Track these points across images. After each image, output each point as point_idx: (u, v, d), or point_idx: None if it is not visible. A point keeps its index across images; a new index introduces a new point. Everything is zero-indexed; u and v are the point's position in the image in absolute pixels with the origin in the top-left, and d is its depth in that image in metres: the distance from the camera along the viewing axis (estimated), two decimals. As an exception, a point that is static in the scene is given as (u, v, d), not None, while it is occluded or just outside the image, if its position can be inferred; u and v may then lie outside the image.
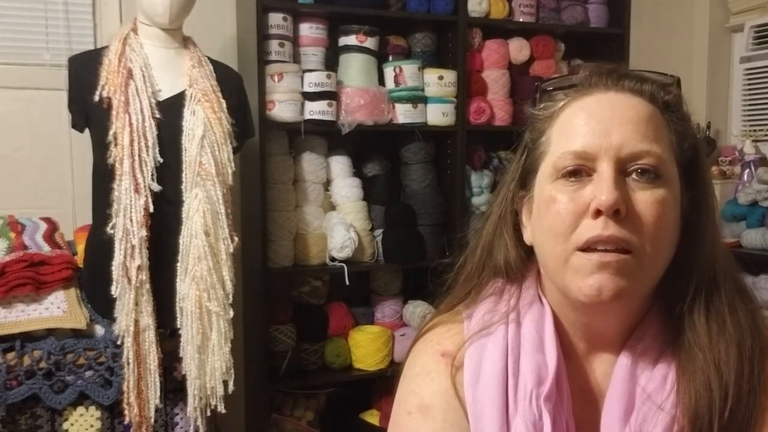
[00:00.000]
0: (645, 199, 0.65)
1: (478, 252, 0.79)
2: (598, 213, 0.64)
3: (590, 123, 0.67)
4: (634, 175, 0.66)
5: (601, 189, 0.64)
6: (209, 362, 1.82)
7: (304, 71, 2.33)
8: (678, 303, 0.69)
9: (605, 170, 0.65)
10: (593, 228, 0.65)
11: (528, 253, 0.76)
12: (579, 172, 0.67)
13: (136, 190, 1.72)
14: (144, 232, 1.73)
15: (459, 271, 0.82)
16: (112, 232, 1.72)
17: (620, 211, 0.64)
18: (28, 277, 1.80)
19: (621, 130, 0.66)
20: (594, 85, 0.70)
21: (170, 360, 1.87)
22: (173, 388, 1.91)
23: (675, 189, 0.68)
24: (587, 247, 0.65)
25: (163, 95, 1.85)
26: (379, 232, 2.52)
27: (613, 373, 0.70)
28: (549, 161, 0.70)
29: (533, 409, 0.66)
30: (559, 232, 0.67)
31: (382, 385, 2.48)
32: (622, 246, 0.64)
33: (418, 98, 2.48)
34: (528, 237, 0.75)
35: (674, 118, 0.70)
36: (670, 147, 0.68)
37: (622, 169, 0.66)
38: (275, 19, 2.29)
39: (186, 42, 1.97)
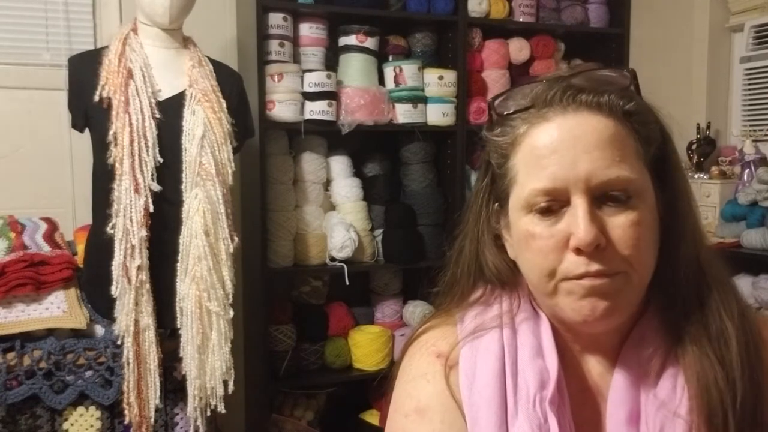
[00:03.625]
0: (621, 223, 0.65)
1: (466, 270, 0.78)
2: (579, 250, 0.64)
3: (555, 155, 0.66)
4: (607, 202, 0.65)
5: (578, 226, 0.64)
6: (209, 362, 1.82)
7: (304, 71, 2.33)
8: (671, 300, 0.69)
9: (579, 205, 0.64)
10: (577, 265, 0.64)
11: (516, 263, 0.75)
12: (552, 206, 0.66)
13: (136, 190, 1.72)
14: (144, 232, 1.73)
15: (448, 290, 0.81)
16: (112, 232, 1.72)
17: (600, 245, 0.64)
18: (28, 277, 1.80)
19: (587, 158, 0.64)
20: (549, 104, 0.67)
21: (170, 360, 1.87)
22: (173, 388, 1.91)
23: (649, 199, 0.67)
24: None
25: (163, 95, 1.85)
26: (379, 232, 2.52)
27: (613, 378, 0.70)
28: (519, 193, 0.69)
29: (538, 412, 0.66)
30: (544, 267, 0.67)
31: (381, 385, 2.47)
32: (608, 273, 0.64)
33: (418, 98, 2.48)
34: (512, 254, 0.74)
35: (636, 125, 0.68)
36: (638, 157, 0.67)
37: (595, 196, 0.65)
38: (275, 19, 2.29)
39: (186, 42, 1.97)
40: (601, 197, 0.65)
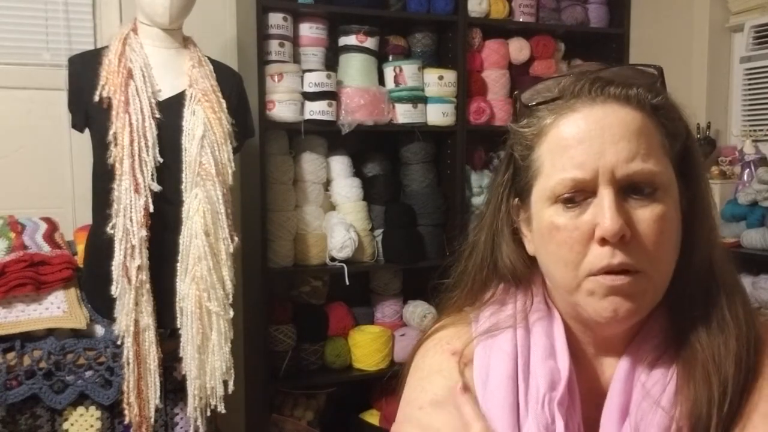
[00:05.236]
0: (646, 217, 0.65)
1: (479, 263, 0.78)
2: (604, 241, 0.64)
3: (582, 146, 0.66)
4: (632, 194, 0.65)
5: (603, 216, 0.64)
6: (209, 362, 1.82)
7: (304, 71, 2.33)
8: (679, 299, 0.70)
9: (605, 195, 0.64)
10: (602, 257, 0.64)
11: (532, 260, 0.75)
12: (576, 197, 0.66)
13: (136, 190, 1.72)
14: (144, 232, 1.73)
15: (458, 283, 0.81)
16: (112, 232, 1.72)
17: (625, 236, 0.64)
18: (28, 277, 1.80)
19: (614, 150, 0.64)
20: (577, 95, 0.68)
21: (170, 360, 1.87)
22: (173, 388, 1.91)
23: (673, 194, 0.67)
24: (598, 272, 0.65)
25: (163, 95, 1.85)
26: (379, 232, 2.52)
27: (615, 372, 0.70)
28: (544, 184, 0.69)
29: (546, 413, 0.67)
30: (568, 260, 0.67)
31: (382, 385, 2.48)
32: (631, 268, 0.65)
33: (418, 98, 2.48)
34: (531, 249, 0.74)
35: (664, 120, 0.68)
36: (664, 152, 0.67)
37: (621, 188, 0.65)
38: (275, 19, 2.29)
39: (186, 42, 1.97)
40: (627, 189, 0.65)
